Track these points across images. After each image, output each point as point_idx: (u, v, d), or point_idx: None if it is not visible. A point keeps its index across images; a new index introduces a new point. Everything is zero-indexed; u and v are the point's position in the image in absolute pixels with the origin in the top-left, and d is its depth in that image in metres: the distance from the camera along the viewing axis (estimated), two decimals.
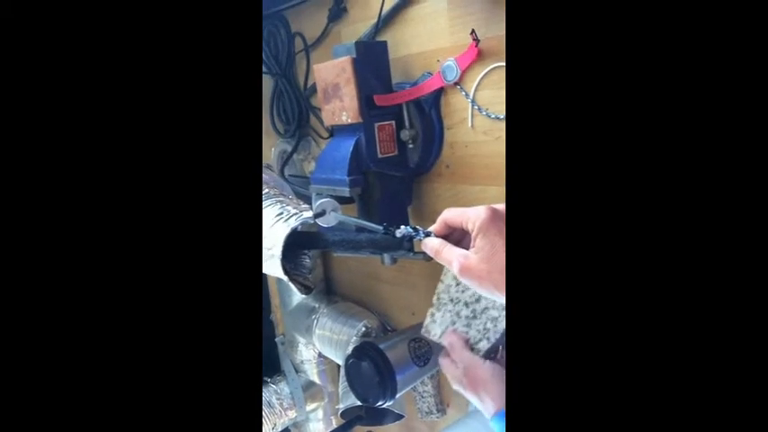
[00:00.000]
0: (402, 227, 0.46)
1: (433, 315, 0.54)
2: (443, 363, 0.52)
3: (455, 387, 0.50)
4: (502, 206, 0.42)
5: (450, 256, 0.43)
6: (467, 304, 0.51)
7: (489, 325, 0.49)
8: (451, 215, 0.44)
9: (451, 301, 0.52)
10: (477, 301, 0.50)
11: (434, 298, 0.54)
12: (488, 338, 0.49)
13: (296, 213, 0.52)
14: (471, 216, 0.41)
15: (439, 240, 0.44)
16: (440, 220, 0.45)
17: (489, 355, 0.50)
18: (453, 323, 0.52)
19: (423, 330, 0.55)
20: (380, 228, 0.52)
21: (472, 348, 0.50)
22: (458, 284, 0.52)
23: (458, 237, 0.45)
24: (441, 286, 0.53)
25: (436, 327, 0.54)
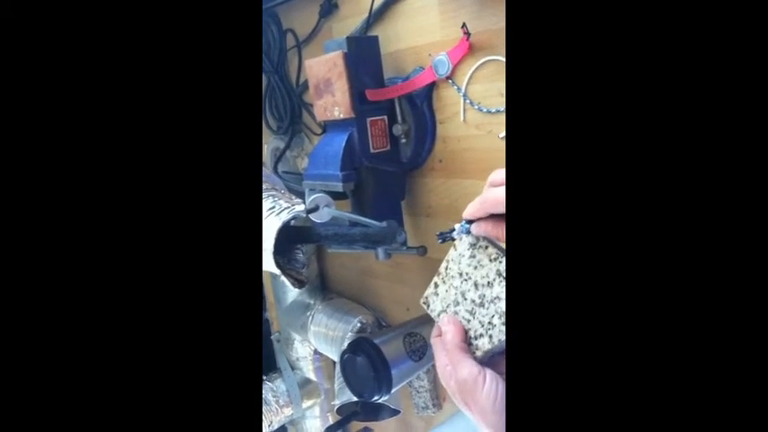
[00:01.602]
0: (456, 226, 0.42)
1: (436, 286, 0.45)
2: (434, 342, 0.44)
3: (441, 381, 0.43)
4: None
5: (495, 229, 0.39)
6: (476, 285, 0.41)
7: (496, 320, 0.40)
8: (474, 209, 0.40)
9: (460, 275, 0.43)
10: (489, 285, 0.41)
11: (443, 265, 0.45)
12: (491, 337, 0.40)
13: (288, 207, 0.52)
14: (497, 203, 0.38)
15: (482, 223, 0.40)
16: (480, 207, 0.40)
17: (486, 359, 0.41)
18: (457, 304, 0.43)
19: (422, 300, 0.47)
20: (374, 222, 0.52)
21: (470, 343, 0.41)
22: (472, 257, 0.42)
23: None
24: (452, 253, 0.44)
25: (437, 302, 0.45)
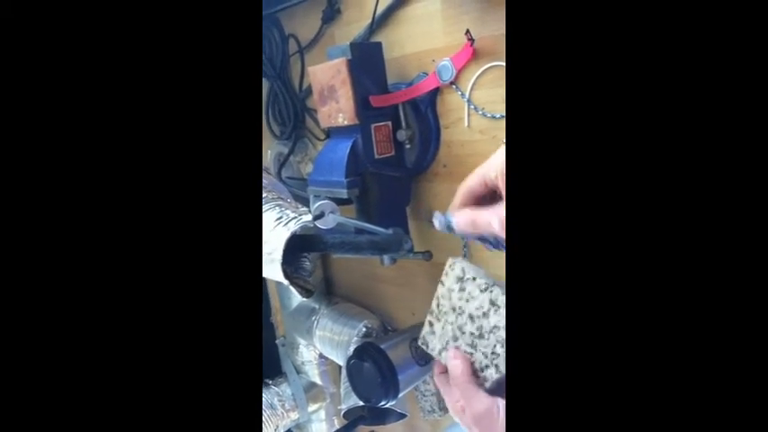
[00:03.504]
0: (438, 218, 0.41)
1: (431, 325, 0.45)
2: (439, 380, 0.44)
3: (454, 416, 0.43)
4: None
5: (487, 217, 0.37)
6: (471, 318, 0.42)
7: (499, 349, 0.40)
8: (470, 182, 0.39)
9: (453, 310, 0.43)
10: (485, 315, 0.41)
11: (434, 303, 0.45)
12: (497, 366, 0.40)
13: (295, 217, 0.52)
14: (490, 167, 0.37)
15: (466, 211, 0.39)
16: (462, 192, 0.40)
17: (498, 390, 0.40)
18: (455, 339, 0.43)
19: (420, 341, 0.46)
20: (381, 229, 0.52)
21: (477, 375, 0.41)
22: (461, 290, 0.43)
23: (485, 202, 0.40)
24: (441, 289, 0.44)
25: (435, 340, 0.45)
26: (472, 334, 0.42)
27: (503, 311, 0.39)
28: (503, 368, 0.40)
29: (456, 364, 0.41)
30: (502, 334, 0.39)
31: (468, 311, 0.42)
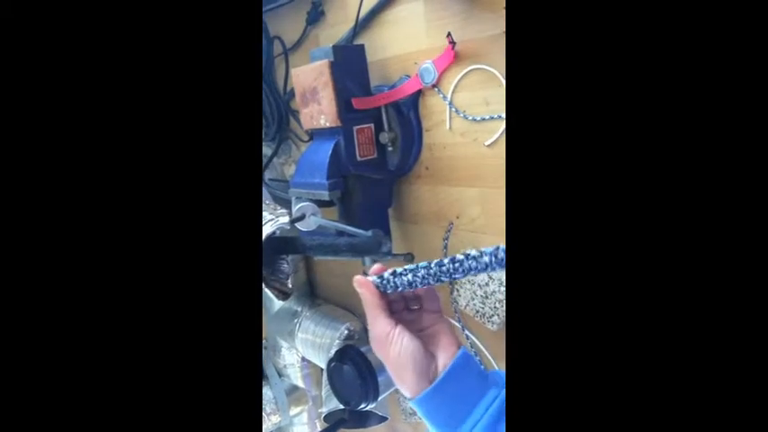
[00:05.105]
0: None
1: (457, 290, 0.68)
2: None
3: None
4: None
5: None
6: (479, 286, 0.64)
7: (498, 305, 0.61)
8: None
9: (468, 281, 0.65)
10: (487, 284, 0.63)
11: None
12: (499, 315, 0.61)
13: (272, 219, 0.52)
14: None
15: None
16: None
17: (500, 327, 0.62)
18: (472, 299, 0.64)
19: (451, 299, 0.68)
20: (360, 231, 0.52)
21: (488, 319, 0.62)
22: None
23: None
24: None
25: (461, 299, 0.67)
26: (481, 296, 0.63)
27: (496, 282, 0.61)
28: (503, 316, 0.60)
29: (362, 292, 0.43)
30: (497, 296, 0.61)
31: (477, 282, 0.63)
